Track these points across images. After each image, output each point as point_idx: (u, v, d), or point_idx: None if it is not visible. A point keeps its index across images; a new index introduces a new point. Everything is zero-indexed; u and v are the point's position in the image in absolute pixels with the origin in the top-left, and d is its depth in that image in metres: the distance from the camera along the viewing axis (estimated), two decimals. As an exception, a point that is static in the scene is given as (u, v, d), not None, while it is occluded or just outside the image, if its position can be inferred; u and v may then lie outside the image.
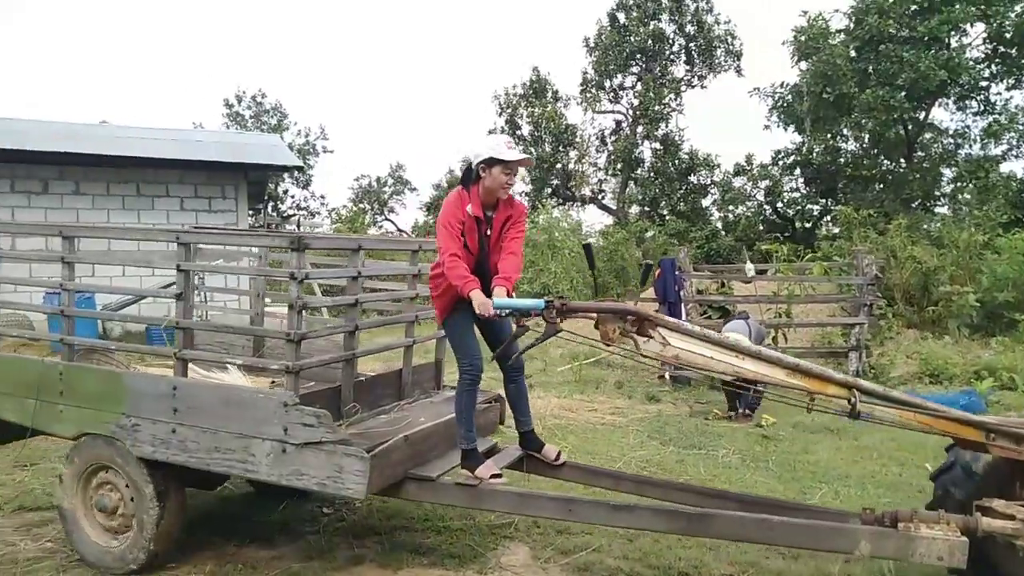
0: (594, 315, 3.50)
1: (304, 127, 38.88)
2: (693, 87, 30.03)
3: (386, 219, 37.16)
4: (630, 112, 30.20)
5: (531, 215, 29.10)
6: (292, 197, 38.01)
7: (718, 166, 28.32)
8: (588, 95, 30.25)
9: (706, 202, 29.15)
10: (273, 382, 4.75)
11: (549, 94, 31.04)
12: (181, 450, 3.78)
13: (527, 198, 32.36)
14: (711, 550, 4.17)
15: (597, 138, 31.12)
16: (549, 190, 31.03)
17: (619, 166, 29.80)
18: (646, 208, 29.46)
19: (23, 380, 4.17)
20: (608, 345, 3.49)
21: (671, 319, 3.65)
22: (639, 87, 29.29)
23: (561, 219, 28.01)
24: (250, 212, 16.94)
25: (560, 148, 30.35)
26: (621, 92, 30.50)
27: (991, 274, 13.57)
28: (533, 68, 31.18)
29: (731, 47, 29.09)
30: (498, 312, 3.58)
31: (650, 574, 3.87)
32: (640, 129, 29.45)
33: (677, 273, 10.60)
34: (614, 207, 30.87)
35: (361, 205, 35.65)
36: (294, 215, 35.86)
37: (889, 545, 3.34)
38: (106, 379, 4.07)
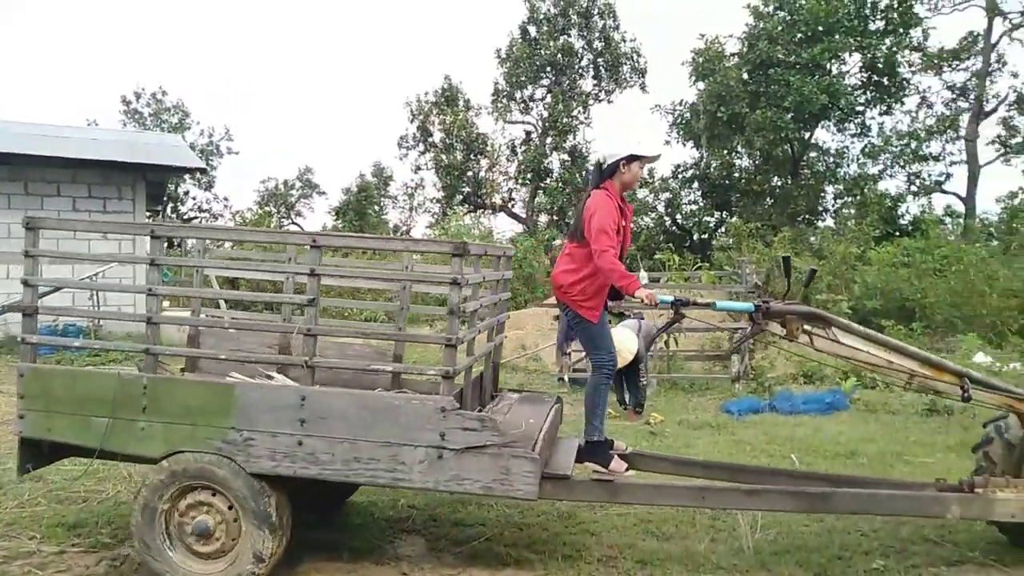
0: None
1: (208, 127, 37.86)
2: (600, 101, 31.13)
3: (292, 222, 36.50)
4: (540, 123, 30.95)
5: (441, 222, 29.37)
6: (194, 199, 36.81)
7: (623, 178, 29.40)
8: (499, 105, 30.82)
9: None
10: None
11: (461, 102, 31.41)
12: (311, 463, 3.57)
13: (437, 204, 32.61)
14: (593, 535, 4.55)
15: (508, 147, 31.73)
16: (460, 197, 31.39)
17: (529, 176, 30.47)
18: (554, 217, 30.22)
19: (91, 396, 3.72)
20: (791, 341, 4.02)
21: (843, 320, 4.18)
22: (549, 99, 30.06)
23: (472, 226, 28.41)
24: (148, 214, 16.39)
25: (471, 156, 30.78)
26: (531, 103, 31.24)
27: (863, 283, 14.84)
28: (445, 76, 31.53)
29: (636, 64, 30.31)
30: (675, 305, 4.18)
31: (535, 559, 4.19)
32: (549, 140, 30.23)
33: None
34: (524, 216, 31.50)
35: (267, 208, 34.87)
36: (195, 218, 34.69)
37: (974, 508, 3.91)
38: (209, 392, 3.73)
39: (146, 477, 3.74)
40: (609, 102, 31.07)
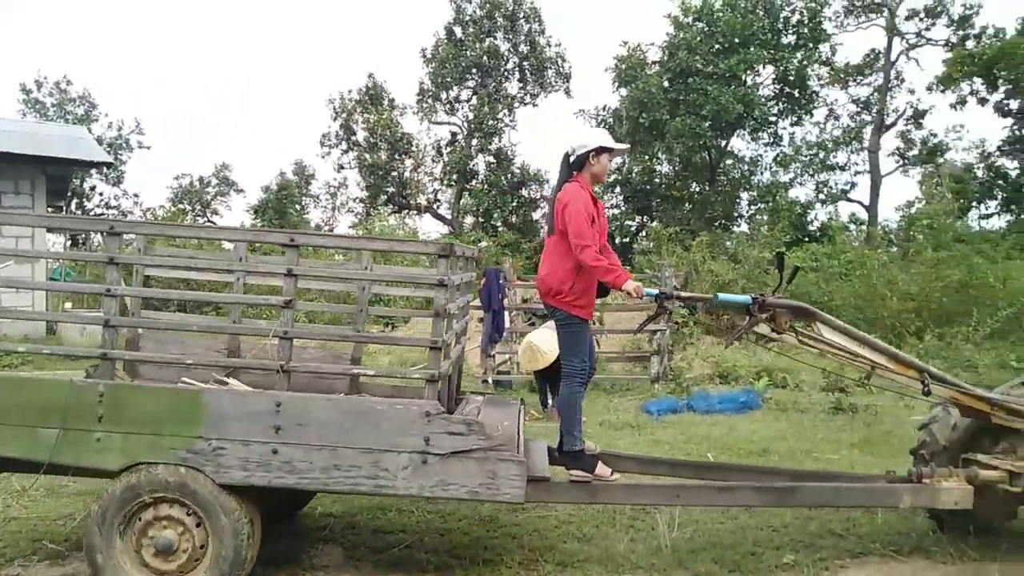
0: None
1: (116, 119, 36.02)
2: (526, 104, 31.32)
3: (208, 221, 35.16)
4: (465, 125, 30.90)
5: (365, 223, 28.92)
6: (101, 195, 35.00)
7: (547, 181, 29.68)
8: (425, 105, 30.59)
9: (536, 215, 30.46)
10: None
11: (385, 102, 31.03)
12: (287, 472, 3.44)
13: (361, 204, 32.11)
14: (514, 539, 4.54)
15: (433, 148, 31.54)
16: (384, 197, 31.00)
17: (454, 177, 30.39)
18: (480, 219, 30.22)
19: (39, 405, 3.45)
20: (779, 334, 4.10)
21: (828, 316, 4.26)
22: (474, 101, 30.04)
23: (397, 227, 28.09)
24: (49, 209, 15.45)
25: (396, 156, 30.44)
26: (457, 104, 31.15)
27: (774, 287, 15.42)
28: (369, 75, 31.11)
29: (561, 69, 30.65)
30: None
31: (455, 564, 4.15)
32: (475, 142, 30.22)
33: (501, 283, 11.11)
34: (449, 217, 31.38)
35: (181, 205, 33.49)
36: (102, 214, 32.97)
37: (923, 497, 4.13)
38: (175, 399, 3.52)
39: (106, 492, 3.48)
40: (534, 105, 31.33)
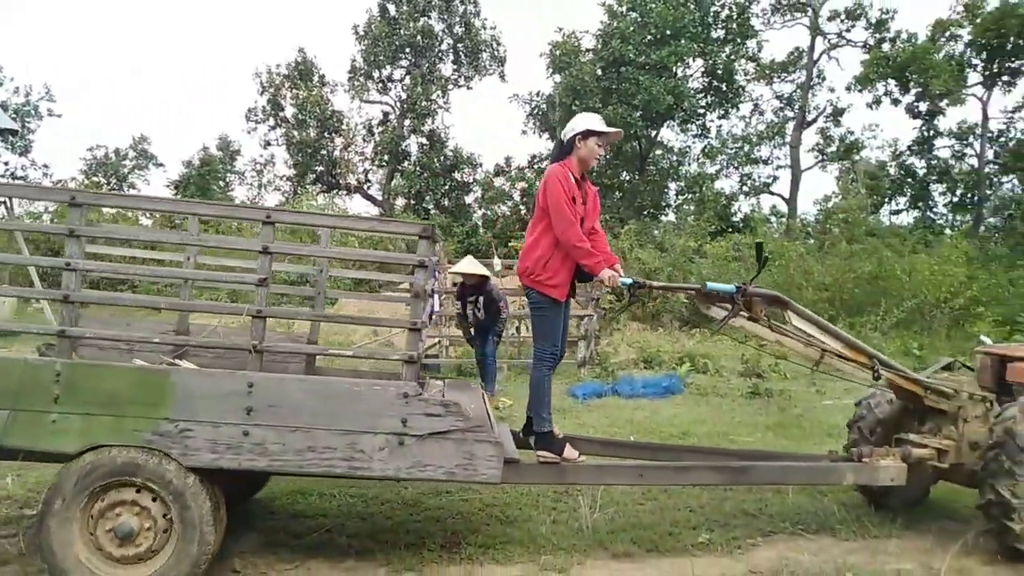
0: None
1: (24, 85, 33.92)
2: (460, 87, 31.09)
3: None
4: (398, 105, 30.44)
5: (292, 201, 28.16)
6: (5, 164, 32.89)
7: (480, 165, 29.67)
8: (356, 83, 29.97)
9: (469, 199, 30.37)
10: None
11: (315, 78, 30.23)
12: (259, 454, 3.32)
13: (288, 183, 31.27)
14: (437, 522, 4.53)
15: (364, 127, 30.98)
16: (313, 176, 30.26)
17: (386, 157, 29.92)
18: (412, 201, 29.91)
19: None
20: (755, 321, 4.27)
21: (799, 306, 4.43)
22: (408, 81, 29.60)
23: (326, 207, 27.48)
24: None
25: (326, 134, 29.74)
26: (390, 84, 30.65)
27: (699, 275, 15.86)
28: (299, 49, 30.26)
29: (496, 52, 30.54)
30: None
31: (377, 548, 4.11)
32: (407, 123, 29.81)
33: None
34: (380, 198, 30.90)
35: (95, 178, 31.85)
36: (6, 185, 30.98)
37: (864, 474, 4.39)
38: (140, 379, 3.35)
39: (59, 477, 3.29)
40: (468, 88, 31.16)
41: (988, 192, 30.13)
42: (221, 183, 31.78)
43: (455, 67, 30.78)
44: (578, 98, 22.84)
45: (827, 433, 7.07)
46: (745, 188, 31.17)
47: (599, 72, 23.42)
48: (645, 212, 25.31)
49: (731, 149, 29.85)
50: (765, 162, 31.29)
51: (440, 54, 30.37)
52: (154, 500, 3.33)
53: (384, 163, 30.38)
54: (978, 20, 23.58)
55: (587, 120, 4.16)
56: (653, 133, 25.52)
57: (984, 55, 22.81)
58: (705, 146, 27.22)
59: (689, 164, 27.89)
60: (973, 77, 24.64)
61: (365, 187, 31.35)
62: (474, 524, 4.50)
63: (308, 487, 4.89)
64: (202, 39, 59.21)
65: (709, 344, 12.99)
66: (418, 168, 29.54)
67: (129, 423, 3.29)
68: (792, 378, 10.65)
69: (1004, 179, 30.01)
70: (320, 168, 30.19)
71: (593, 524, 4.45)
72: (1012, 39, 21.52)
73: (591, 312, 11.20)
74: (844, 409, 8.33)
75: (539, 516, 4.62)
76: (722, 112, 25.45)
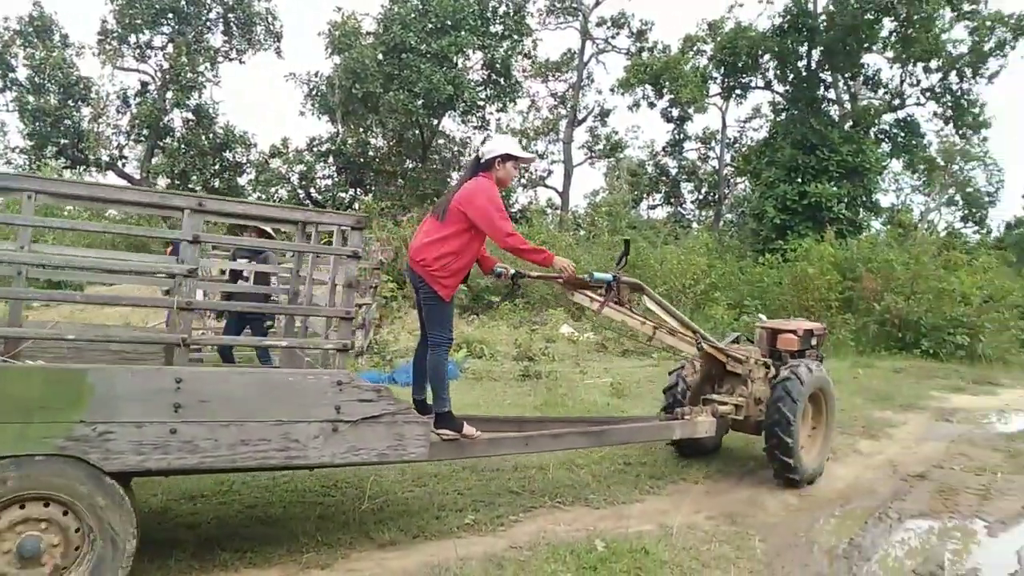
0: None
1: None
2: (231, 60, 29.00)
3: None
4: (159, 75, 27.66)
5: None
6: None
7: (255, 145, 27.97)
8: (108, 48, 26.74)
9: (242, 181, 28.51)
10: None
11: (56, 37, 26.49)
12: (189, 452, 3.19)
13: (23, 156, 27.16)
14: (191, 529, 4.23)
15: (118, 97, 27.74)
16: (54, 149, 26.55)
17: (144, 132, 27.10)
18: (176, 181, 27.40)
19: None
20: (621, 305, 5.11)
21: (651, 291, 5.23)
22: (170, 49, 27.00)
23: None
24: None
25: (70, 102, 26.21)
26: (149, 51, 27.74)
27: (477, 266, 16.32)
28: (35, 3, 26.22)
29: (272, 27, 28.89)
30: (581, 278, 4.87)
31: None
32: (170, 95, 27.20)
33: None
34: (138, 176, 27.93)
35: None
36: None
37: (687, 429, 5.35)
38: (51, 380, 3.01)
39: None
40: (241, 62, 29.18)
41: (726, 191, 34.40)
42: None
43: (226, 39, 28.64)
44: (359, 81, 22.37)
45: (587, 409, 7.63)
46: (523, 181, 32.64)
47: (380, 56, 23.10)
48: (428, 200, 25.49)
49: (510, 142, 31.03)
50: (541, 156, 32.99)
51: (208, 23, 28.08)
52: (65, 514, 3.05)
53: (143, 138, 27.50)
54: (718, 38, 26.70)
55: (507, 144, 4.40)
56: (435, 122, 25.73)
57: (723, 70, 25.88)
58: (485, 138, 28.07)
59: (470, 155, 28.57)
60: (714, 88, 27.90)
61: (119, 164, 28.15)
62: (231, 528, 4.26)
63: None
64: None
65: (486, 330, 13.45)
66: (183, 145, 27.11)
67: (36, 430, 2.97)
68: (560, 360, 11.37)
69: (738, 180, 34.48)
70: (63, 140, 26.55)
71: (360, 516, 4.42)
72: (744, 57, 24.65)
73: (369, 300, 11.06)
74: (602, 387, 9.09)
75: (305, 513, 4.50)
76: (501, 105, 26.37)
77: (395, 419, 3.64)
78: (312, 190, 27.57)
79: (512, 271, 4.93)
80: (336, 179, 27.62)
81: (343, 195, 28.03)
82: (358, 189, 27.16)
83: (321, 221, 4.11)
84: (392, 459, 3.71)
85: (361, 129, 25.74)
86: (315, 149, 27.04)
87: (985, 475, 6.22)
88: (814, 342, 6.25)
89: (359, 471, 5.10)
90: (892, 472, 6.19)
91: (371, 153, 26.67)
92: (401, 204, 22.35)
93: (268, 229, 6.30)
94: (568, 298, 5.35)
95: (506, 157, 4.35)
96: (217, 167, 27.40)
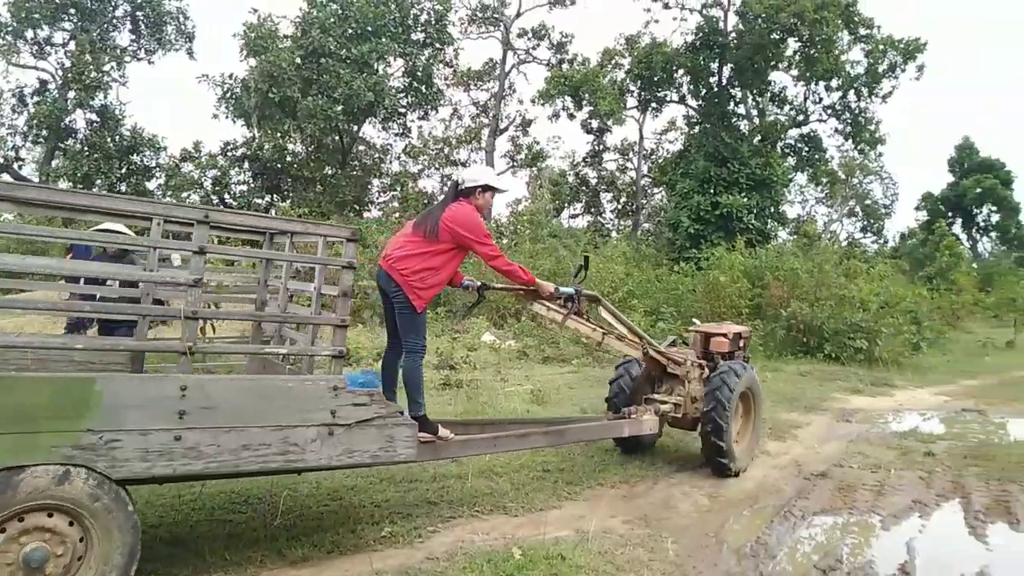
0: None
1: None
2: (139, 60, 27.77)
3: None
4: (60, 73, 26.20)
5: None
6: None
7: (164, 148, 26.82)
8: (2, 43, 25.13)
9: (151, 185, 27.27)
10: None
11: (-60, 28, 24.73)
12: (194, 458, 3.26)
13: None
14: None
15: (14, 96, 26.10)
16: (-61, 149, 24.76)
17: (43, 133, 25.57)
18: (78, 185, 25.94)
19: None
20: (580, 316, 5.60)
21: (606, 302, 5.76)
22: (72, 46, 25.62)
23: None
24: None
25: (-42, 99, 24.51)
26: (49, 48, 26.23)
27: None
28: (-84, -8, 24.41)
29: (183, 27, 27.84)
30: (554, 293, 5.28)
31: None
32: (72, 95, 25.79)
33: (93, 257, 9.72)
34: (37, 180, 26.33)
35: None
36: None
37: (634, 427, 5.84)
38: (60, 389, 3.02)
39: None
40: (150, 63, 28.00)
41: (643, 202, 35.31)
42: None
43: (133, 37, 27.41)
44: (275, 85, 21.81)
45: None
46: (446, 188, 32.57)
47: (298, 60, 22.62)
48: (348, 208, 25.09)
49: (432, 150, 30.96)
50: (464, 164, 33.01)
51: (115, 21, 26.81)
52: (71, 524, 3.06)
53: (41, 139, 25.95)
54: (635, 53, 27.46)
55: (487, 175, 4.72)
56: (355, 128, 25.36)
57: (639, 83, 26.62)
58: (407, 145, 27.92)
59: (391, 162, 28.34)
60: (632, 101, 28.65)
61: (15, 166, 26.47)
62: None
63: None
64: None
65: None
66: (86, 148, 25.74)
67: (45, 439, 2.98)
68: (481, 368, 11.38)
69: (655, 191, 35.46)
70: (-50, 140, 24.80)
71: (272, 532, 4.31)
72: (659, 72, 25.44)
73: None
74: (523, 394, 9.15)
75: (212, 531, 4.35)
76: (422, 113, 26.24)
77: (385, 422, 3.81)
78: (226, 196, 26.67)
79: (479, 283, 5.29)
80: (252, 184, 26.79)
81: (259, 201, 27.22)
82: (275, 195, 26.44)
83: (316, 232, 4.16)
84: (383, 460, 3.87)
85: (278, 134, 25.06)
86: (229, 154, 26.15)
87: (880, 472, 6.59)
88: (742, 344, 6.83)
89: (273, 486, 4.97)
90: (797, 472, 6.48)
91: (288, 158, 26.02)
92: (320, 211, 21.89)
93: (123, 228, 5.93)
94: (528, 308, 5.83)
95: (487, 187, 4.65)
96: (124, 171, 26.12)
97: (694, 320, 8.29)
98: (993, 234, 48.73)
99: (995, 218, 48.28)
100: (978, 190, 46.19)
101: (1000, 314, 28.26)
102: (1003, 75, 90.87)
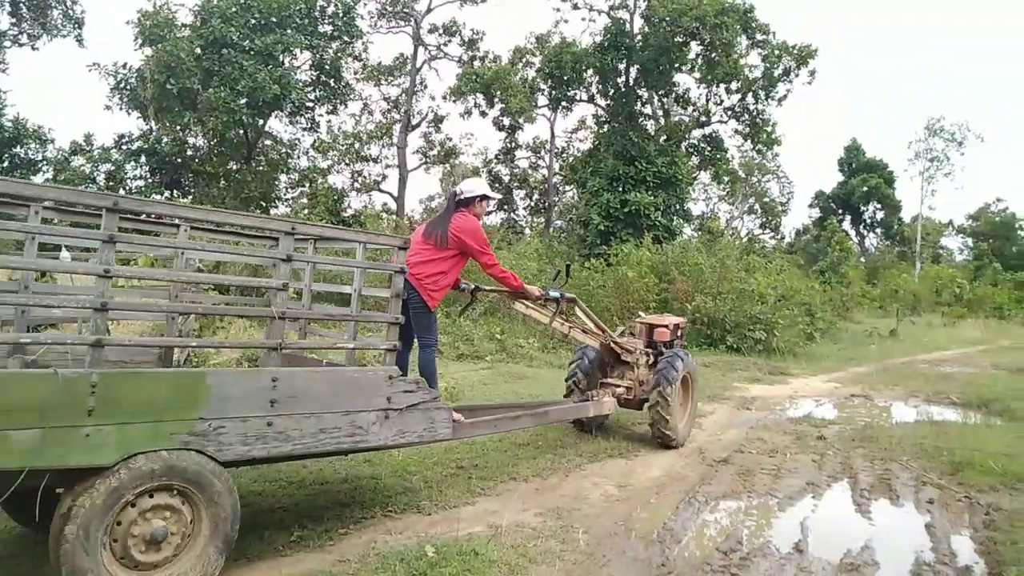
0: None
1: None
2: (21, 46, 25.93)
3: None
4: (-73, 57, 24.14)
5: None
6: None
7: (51, 141, 25.15)
8: None
9: (38, 179, 25.50)
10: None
11: None
12: (283, 441, 3.72)
13: None
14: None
15: None
16: None
17: (-91, 122, 23.49)
18: (-49, 179, 23.98)
19: (10, 404, 2.89)
20: (562, 315, 6.47)
21: (582, 303, 6.65)
22: (-58, 29, 23.68)
23: None
24: None
25: None
26: (-86, 29, 24.12)
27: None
28: None
29: (71, 12, 26.19)
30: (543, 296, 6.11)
31: None
32: (-57, 81, 23.84)
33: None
34: (-99, 173, 24.19)
35: None
36: None
37: (598, 407, 6.71)
38: (177, 382, 3.43)
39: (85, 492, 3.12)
40: (34, 48, 26.19)
41: (555, 199, 35.80)
42: None
43: (13, 21, 25.56)
44: (174, 76, 20.75)
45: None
46: (357, 185, 31.99)
47: (198, 51, 21.61)
48: (253, 204, 24.22)
49: (342, 145, 30.31)
50: (375, 160, 32.54)
51: (-9, 3, 24.92)
52: (184, 503, 3.43)
53: (-93, 129, 23.84)
54: (545, 51, 27.75)
55: (482, 185, 5.30)
56: (260, 122, 24.49)
57: (550, 82, 26.92)
58: (315, 140, 27.17)
59: (299, 157, 27.53)
60: (543, 100, 28.93)
61: None
62: (15, 567, 3.81)
63: None
64: None
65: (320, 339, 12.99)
66: (-39, 139, 23.85)
67: (167, 427, 3.36)
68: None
69: (566, 188, 36.01)
70: None
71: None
72: (569, 71, 25.81)
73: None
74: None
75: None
76: (331, 107, 25.61)
77: (428, 406, 4.38)
78: (121, 191, 25.25)
79: (472, 285, 5.97)
80: (149, 179, 25.48)
81: (157, 196, 25.92)
82: (175, 191, 25.24)
83: (377, 242, 4.79)
84: (427, 440, 4.44)
85: (178, 127, 23.89)
86: (124, 147, 24.78)
87: (777, 456, 6.96)
88: (679, 334, 7.73)
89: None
90: (701, 459, 6.76)
91: (189, 153, 24.90)
92: (224, 207, 21.05)
93: None
94: (511, 307, 6.66)
95: (483, 197, 5.28)
96: (7, 164, 24.35)
97: (640, 312, 9.12)
98: (879, 230, 52.24)
99: (880, 215, 51.72)
100: (864, 188, 49.36)
101: (885, 305, 30.31)
102: (886, 80, 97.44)
